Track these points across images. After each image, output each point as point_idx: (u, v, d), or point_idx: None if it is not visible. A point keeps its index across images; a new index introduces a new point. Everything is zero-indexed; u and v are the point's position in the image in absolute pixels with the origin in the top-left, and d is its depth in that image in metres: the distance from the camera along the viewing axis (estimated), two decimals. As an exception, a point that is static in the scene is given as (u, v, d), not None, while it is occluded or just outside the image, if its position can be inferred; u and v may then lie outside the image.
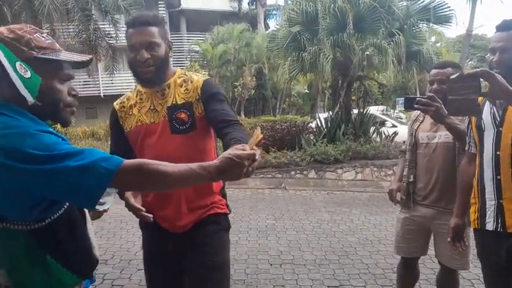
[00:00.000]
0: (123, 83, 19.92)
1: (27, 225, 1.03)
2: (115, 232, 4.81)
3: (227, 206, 1.90)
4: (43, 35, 1.13)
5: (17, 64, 1.04)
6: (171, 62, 1.81)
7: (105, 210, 1.44)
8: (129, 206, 1.63)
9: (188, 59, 19.44)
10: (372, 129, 9.33)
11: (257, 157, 1.10)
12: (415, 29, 8.72)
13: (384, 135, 9.09)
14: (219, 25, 19.08)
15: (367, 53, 9.03)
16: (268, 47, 10.68)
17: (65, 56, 1.13)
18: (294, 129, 9.25)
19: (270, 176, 7.82)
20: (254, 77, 16.92)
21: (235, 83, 16.94)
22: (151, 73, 1.65)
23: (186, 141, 1.68)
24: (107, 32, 13.55)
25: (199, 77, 1.77)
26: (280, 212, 5.66)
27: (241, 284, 3.29)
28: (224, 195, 1.90)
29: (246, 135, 1.54)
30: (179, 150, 1.63)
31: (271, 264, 3.72)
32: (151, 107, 1.74)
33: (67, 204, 1.11)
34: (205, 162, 1.09)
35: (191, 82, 1.74)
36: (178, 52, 21.33)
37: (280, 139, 9.04)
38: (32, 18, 11.15)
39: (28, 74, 1.05)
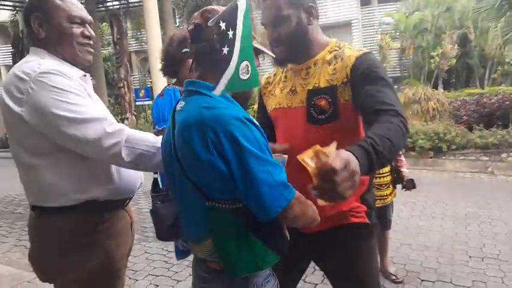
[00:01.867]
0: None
1: (233, 203, 1.05)
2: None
3: (368, 214, 1.48)
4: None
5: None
6: (321, 32, 1.45)
7: None
8: None
9: (379, 32, 18.55)
10: None
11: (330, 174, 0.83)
12: None
13: None
14: (413, -8, 17.47)
15: None
16: (474, 9, 9.19)
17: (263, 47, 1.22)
18: (508, 103, 7.78)
19: (473, 158, 6.84)
20: (456, 45, 14.90)
21: (432, 53, 15.29)
22: (284, 53, 1.41)
23: (324, 134, 1.34)
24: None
25: (352, 52, 1.37)
26: (484, 199, 4.90)
27: (432, 273, 3.02)
28: (366, 201, 1.48)
29: (396, 131, 1.12)
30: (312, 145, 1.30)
31: (470, 257, 3.28)
32: (293, 88, 1.47)
33: None
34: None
35: (341, 59, 1.37)
36: (369, 26, 20.58)
37: (488, 115, 7.78)
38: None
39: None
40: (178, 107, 1.13)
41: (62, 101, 1.21)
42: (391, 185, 2.85)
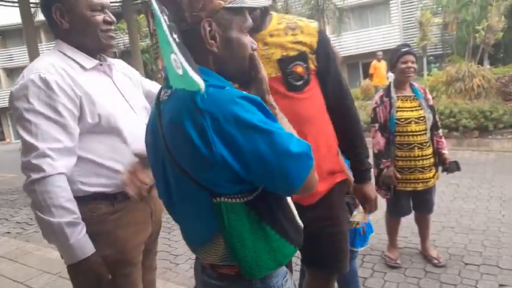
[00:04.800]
0: (350, 43, 20.09)
1: (243, 196, 0.94)
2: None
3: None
4: None
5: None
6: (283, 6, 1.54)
7: None
8: None
9: (419, 8, 17.74)
10: None
11: None
12: None
13: None
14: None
15: None
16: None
17: (252, 1, 0.96)
18: (562, 76, 7.25)
19: (523, 136, 6.47)
20: (503, 17, 13.97)
21: (477, 27, 14.43)
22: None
23: (304, 101, 1.46)
24: (334, -6, 13.81)
25: (308, 23, 1.49)
26: (535, 180, 4.65)
27: (478, 256, 2.92)
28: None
29: (354, 125, 1.58)
30: (298, 113, 1.42)
31: (518, 240, 3.15)
32: None
33: None
34: None
35: (301, 31, 1.46)
36: (408, 2, 19.72)
37: (540, 91, 7.27)
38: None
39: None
40: (163, 96, 0.98)
41: (26, 116, 1.25)
42: (433, 168, 2.78)
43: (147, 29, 16.07)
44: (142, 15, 19.16)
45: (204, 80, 0.80)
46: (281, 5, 14.42)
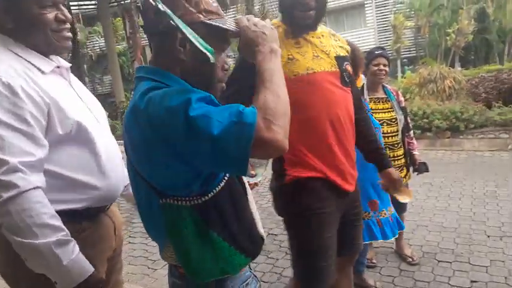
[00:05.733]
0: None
1: (191, 200, 0.94)
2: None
3: None
4: None
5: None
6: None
7: (256, 184, 1.34)
8: None
9: (393, 12, 18.12)
10: None
11: None
12: None
13: None
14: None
15: None
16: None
17: (230, 25, 0.97)
18: (528, 78, 7.55)
19: (492, 136, 6.70)
20: (473, 20, 14.45)
21: (448, 30, 14.87)
22: (312, 18, 1.55)
23: (349, 96, 1.67)
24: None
25: (336, 34, 1.77)
26: (504, 178, 4.81)
27: (450, 254, 3.01)
28: None
29: (372, 129, 1.89)
30: (349, 107, 1.66)
31: (488, 236, 3.26)
32: (315, 54, 1.59)
33: (227, 176, 1.00)
34: None
35: (338, 38, 1.73)
36: (383, 6, 20.13)
37: (508, 91, 7.57)
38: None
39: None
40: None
41: None
42: (404, 168, 2.84)
43: (124, 31, 15.84)
44: (119, 18, 18.92)
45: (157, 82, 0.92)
46: (258, 8, 14.48)
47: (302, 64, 1.55)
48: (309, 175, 1.56)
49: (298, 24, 1.54)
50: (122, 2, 17.07)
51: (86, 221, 1.27)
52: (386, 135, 2.74)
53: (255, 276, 1.12)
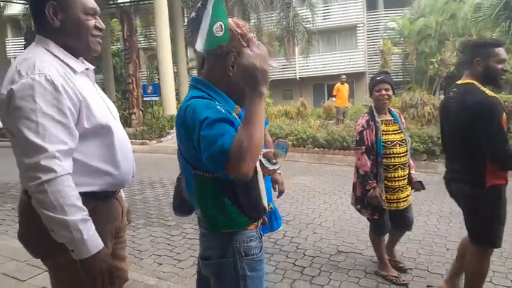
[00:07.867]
0: (317, 65, 20.85)
1: (211, 173, 1.26)
2: (298, 199, 5.44)
3: None
4: (253, 35, 1.33)
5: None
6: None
7: (274, 170, 1.53)
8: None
9: (384, 36, 18.78)
10: None
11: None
12: None
13: None
14: (419, -1, 17.70)
15: None
16: (472, 18, 9.48)
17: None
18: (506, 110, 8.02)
19: (465, 161, 7.10)
20: (457, 52, 15.13)
21: (432, 60, 15.50)
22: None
23: None
24: (304, 17, 14.46)
25: None
26: (470, 200, 5.17)
27: (412, 262, 3.32)
28: None
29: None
30: None
31: (447, 249, 3.59)
32: None
33: None
34: None
35: None
36: (374, 31, 20.79)
37: (482, 122, 8.00)
38: (242, 11, 12.91)
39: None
40: None
41: (31, 117, 1.24)
42: (408, 186, 3.02)
43: (120, 33, 16.02)
44: (115, 19, 19.08)
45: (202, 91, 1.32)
46: (254, 23, 14.94)
47: None
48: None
49: (500, 86, 2.47)
50: (122, 5, 17.29)
51: (100, 201, 1.46)
52: (399, 155, 2.87)
53: (259, 237, 1.43)
